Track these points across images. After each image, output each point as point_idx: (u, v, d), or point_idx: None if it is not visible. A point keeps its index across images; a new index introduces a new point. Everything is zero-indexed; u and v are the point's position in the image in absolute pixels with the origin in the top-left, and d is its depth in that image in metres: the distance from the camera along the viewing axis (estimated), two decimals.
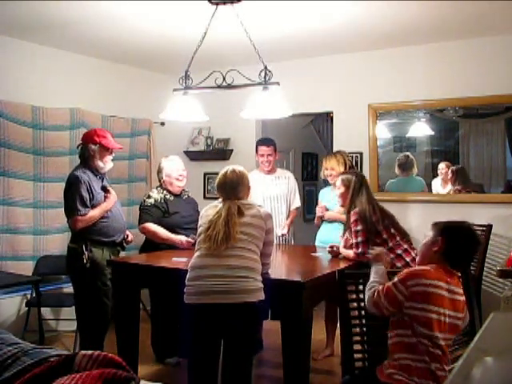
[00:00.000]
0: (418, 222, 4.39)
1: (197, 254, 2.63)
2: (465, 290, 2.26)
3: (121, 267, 3.37)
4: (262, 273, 2.62)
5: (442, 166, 4.58)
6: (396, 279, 2.19)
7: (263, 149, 4.31)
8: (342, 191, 3.41)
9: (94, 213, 3.47)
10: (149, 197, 3.85)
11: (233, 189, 2.65)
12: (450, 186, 4.54)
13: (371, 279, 2.35)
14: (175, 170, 3.89)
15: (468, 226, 2.29)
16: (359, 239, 3.21)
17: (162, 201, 3.81)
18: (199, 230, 2.67)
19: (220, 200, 2.69)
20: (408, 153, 4.76)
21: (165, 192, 3.87)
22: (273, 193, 4.31)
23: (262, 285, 2.53)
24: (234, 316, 2.46)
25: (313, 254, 3.62)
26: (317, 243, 4.08)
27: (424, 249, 2.29)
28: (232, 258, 2.49)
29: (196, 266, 2.57)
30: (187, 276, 2.59)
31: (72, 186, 3.44)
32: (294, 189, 4.42)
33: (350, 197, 3.36)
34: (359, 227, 3.22)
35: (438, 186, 4.61)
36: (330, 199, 4.06)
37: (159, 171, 3.95)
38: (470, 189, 4.47)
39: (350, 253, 3.28)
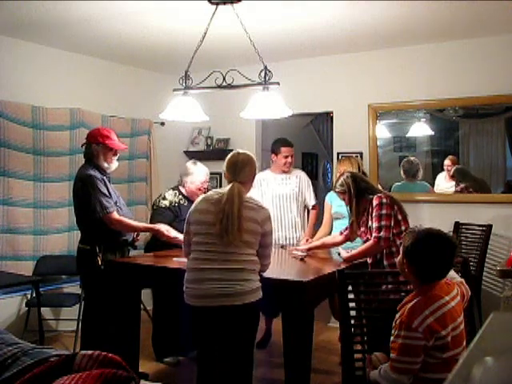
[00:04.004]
0: (418, 222, 4.38)
1: (196, 254, 2.57)
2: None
3: (121, 267, 3.37)
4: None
5: (447, 162, 4.56)
6: (397, 332, 2.01)
7: (287, 150, 4.26)
8: (345, 197, 3.25)
9: (135, 223, 3.51)
10: (164, 198, 3.83)
11: (243, 168, 2.61)
12: (453, 182, 4.55)
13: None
14: (202, 182, 3.87)
15: (428, 236, 2.11)
16: (383, 223, 3.01)
17: (176, 205, 3.80)
18: (196, 227, 2.56)
19: (213, 191, 2.68)
20: (413, 157, 4.75)
21: (180, 196, 3.86)
22: (282, 191, 4.31)
23: (259, 284, 2.54)
24: (234, 317, 2.47)
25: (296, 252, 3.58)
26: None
27: (400, 270, 2.20)
28: (229, 261, 2.48)
29: (194, 268, 2.55)
30: (186, 276, 2.60)
31: (88, 185, 3.31)
32: (305, 187, 4.39)
33: (352, 197, 3.19)
34: (384, 211, 3.03)
35: (441, 180, 4.60)
36: (342, 203, 4.06)
37: (182, 174, 3.91)
38: (472, 187, 4.45)
39: (366, 244, 3.10)
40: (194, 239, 2.58)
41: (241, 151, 2.70)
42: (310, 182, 4.48)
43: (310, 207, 4.42)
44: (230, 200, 2.49)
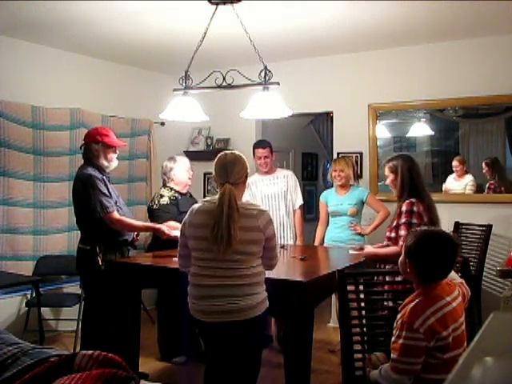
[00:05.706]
0: None
1: (196, 269, 2.48)
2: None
3: (121, 267, 3.37)
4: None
5: (455, 163, 4.53)
6: (398, 332, 2.00)
7: (260, 151, 4.38)
8: (392, 178, 3.10)
9: (136, 223, 3.52)
10: (161, 196, 3.88)
11: (233, 167, 2.45)
12: (463, 180, 4.52)
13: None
14: (187, 170, 3.99)
15: (430, 236, 2.12)
16: None
17: (174, 198, 3.89)
18: (193, 243, 2.46)
19: (208, 199, 2.55)
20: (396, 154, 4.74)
21: (173, 191, 3.94)
22: (270, 191, 4.39)
23: (265, 294, 2.50)
24: (241, 331, 2.44)
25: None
26: (328, 242, 4.20)
27: (402, 270, 2.19)
28: (232, 277, 2.39)
29: (196, 284, 2.47)
30: (189, 290, 2.51)
31: (88, 185, 3.30)
32: (293, 186, 4.47)
33: (400, 183, 3.03)
34: (415, 220, 2.87)
35: (451, 181, 4.57)
36: (338, 202, 4.13)
37: (166, 172, 3.98)
38: (505, 185, 4.35)
39: (392, 249, 2.95)
40: (193, 254, 2.49)
41: (228, 152, 2.56)
42: (298, 183, 4.56)
43: (297, 207, 4.47)
44: (220, 207, 2.35)
